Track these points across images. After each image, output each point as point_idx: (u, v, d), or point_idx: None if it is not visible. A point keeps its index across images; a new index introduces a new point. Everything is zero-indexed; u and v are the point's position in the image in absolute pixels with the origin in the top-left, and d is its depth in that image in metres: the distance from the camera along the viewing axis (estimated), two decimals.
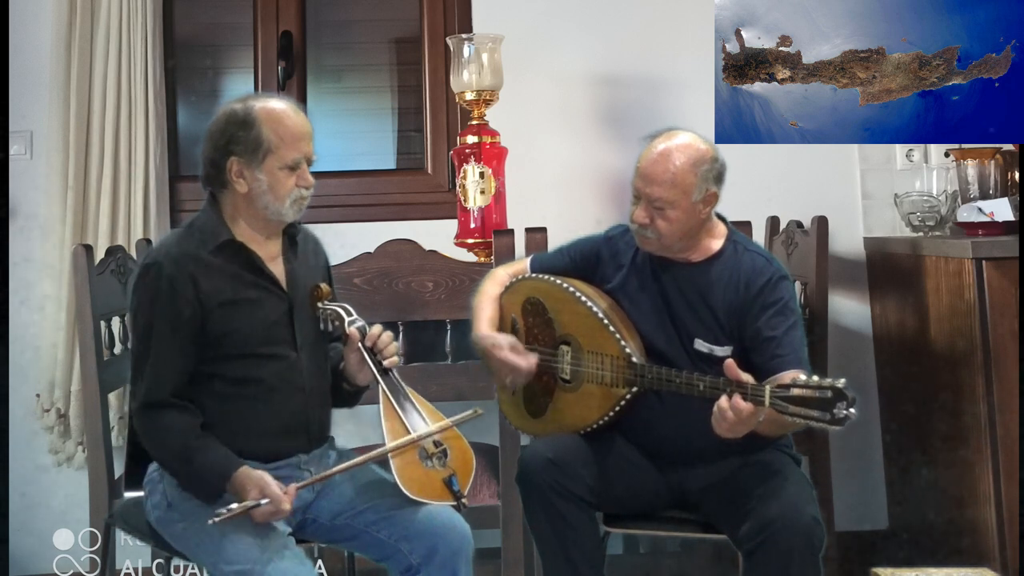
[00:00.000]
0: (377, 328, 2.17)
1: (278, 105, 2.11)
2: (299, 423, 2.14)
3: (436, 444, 2.12)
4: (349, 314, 2.17)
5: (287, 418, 2.12)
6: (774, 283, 2.23)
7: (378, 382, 2.14)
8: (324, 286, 2.19)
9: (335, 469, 2.12)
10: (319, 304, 2.18)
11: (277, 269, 2.16)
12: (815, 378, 1.95)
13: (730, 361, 2.04)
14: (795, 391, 1.95)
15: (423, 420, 2.13)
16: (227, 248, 2.11)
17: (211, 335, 2.07)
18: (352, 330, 2.14)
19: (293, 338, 2.14)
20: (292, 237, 2.20)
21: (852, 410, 1.91)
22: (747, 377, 2.02)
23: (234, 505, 1.96)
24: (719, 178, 2.23)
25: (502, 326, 2.43)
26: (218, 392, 2.08)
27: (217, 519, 1.95)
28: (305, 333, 2.16)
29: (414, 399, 2.15)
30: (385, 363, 2.15)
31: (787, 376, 2.06)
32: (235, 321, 2.08)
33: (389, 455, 2.09)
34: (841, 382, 1.93)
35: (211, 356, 2.08)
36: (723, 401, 2.01)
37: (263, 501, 1.97)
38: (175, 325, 2.04)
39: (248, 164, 2.08)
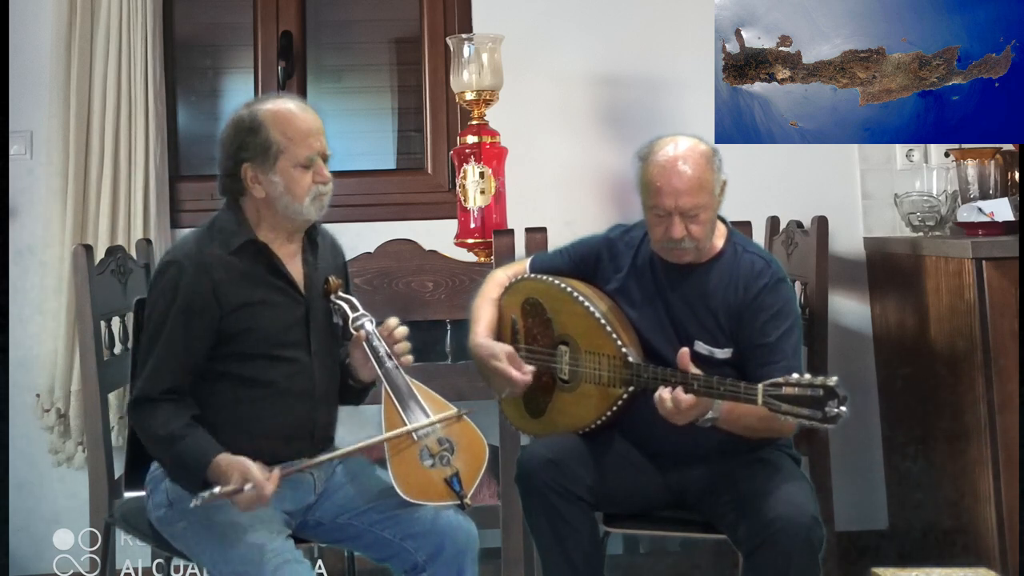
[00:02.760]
0: (393, 321, 2.16)
1: (284, 105, 2.11)
2: (305, 426, 2.13)
3: (440, 443, 2.12)
4: (355, 309, 2.16)
5: (294, 421, 2.12)
6: (772, 286, 2.23)
7: (381, 380, 2.14)
8: (333, 280, 2.18)
9: (323, 458, 2.10)
10: (331, 298, 2.18)
11: (296, 271, 2.15)
12: (807, 376, 1.96)
13: (684, 351, 2.10)
14: (787, 389, 1.96)
15: (428, 418, 2.12)
16: (247, 248, 2.10)
17: (226, 334, 2.07)
18: (357, 330, 2.14)
19: (307, 341, 2.14)
20: (312, 239, 2.20)
21: (843, 408, 1.91)
22: (695, 371, 2.09)
23: (217, 489, 1.94)
24: (722, 166, 2.24)
25: (501, 326, 2.43)
26: (228, 391, 2.08)
27: (198, 501, 1.93)
28: (320, 337, 2.16)
29: (422, 397, 2.14)
30: (401, 360, 2.14)
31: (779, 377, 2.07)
32: (251, 322, 2.08)
33: (387, 457, 2.09)
34: (833, 380, 1.93)
35: (224, 355, 2.08)
36: (664, 392, 2.09)
37: (247, 487, 1.95)
38: (186, 326, 2.04)
39: (262, 168, 2.07)
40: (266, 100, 2.13)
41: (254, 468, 1.97)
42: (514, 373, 2.31)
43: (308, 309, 2.14)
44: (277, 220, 2.12)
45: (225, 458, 1.98)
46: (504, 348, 2.35)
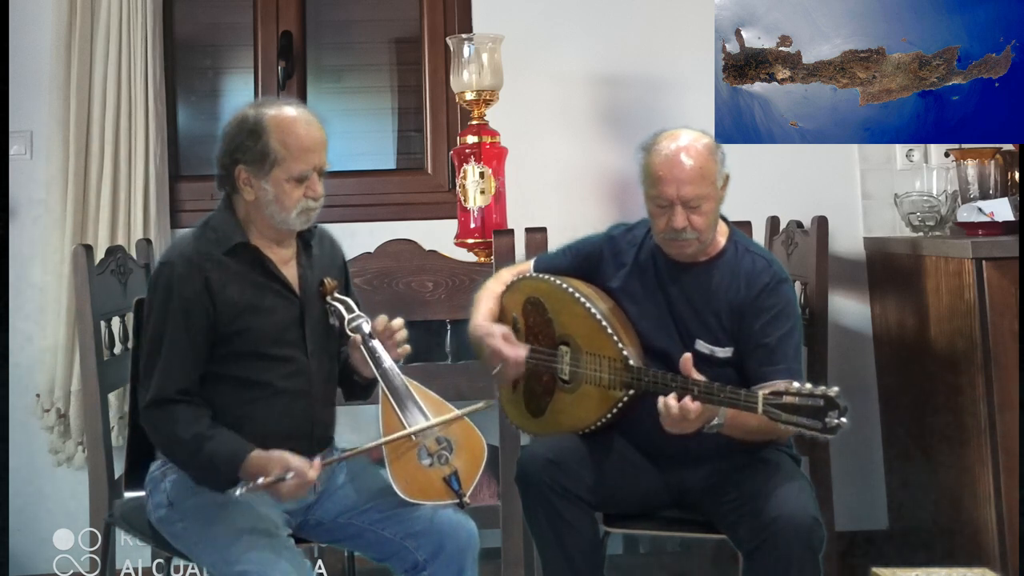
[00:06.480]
0: (382, 319, 2.16)
1: (290, 114, 2.09)
2: (304, 426, 2.14)
3: (438, 441, 2.12)
4: (350, 311, 2.16)
5: (292, 421, 2.12)
6: (773, 286, 2.23)
7: (378, 381, 2.14)
8: (328, 281, 2.18)
9: (359, 449, 2.12)
10: (327, 299, 2.18)
11: (290, 273, 2.15)
12: (808, 386, 1.96)
13: (687, 356, 2.08)
14: (787, 399, 1.96)
15: (425, 418, 2.12)
16: (240, 250, 2.11)
17: (222, 335, 2.07)
18: (352, 334, 2.14)
19: (303, 342, 2.14)
20: (307, 241, 2.19)
21: (843, 419, 1.92)
22: (699, 376, 2.07)
23: (260, 480, 1.97)
24: (725, 160, 2.25)
25: (503, 323, 2.43)
26: (226, 393, 2.08)
27: (243, 489, 1.96)
28: (316, 337, 2.16)
29: (419, 397, 2.14)
30: (396, 351, 2.14)
31: (780, 383, 2.06)
32: (246, 323, 2.08)
33: (385, 457, 2.09)
34: (833, 390, 1.93)
35: (221, 356, 2.08)
36: (671, 400, 2.05)
37: (288, 475, 1.98)
38: (187, 324, 2.05)
39: (255, 174, 2.07)
40: (274, 104, 2.12)
41: (294, 458, 2.00)
42: (506, 350, 2.32)
43: (303, 310, 2.14)
44: (264, 224, 2.12)
45: (258, 453, 2.00)
46: (500, 327, 2.35)
